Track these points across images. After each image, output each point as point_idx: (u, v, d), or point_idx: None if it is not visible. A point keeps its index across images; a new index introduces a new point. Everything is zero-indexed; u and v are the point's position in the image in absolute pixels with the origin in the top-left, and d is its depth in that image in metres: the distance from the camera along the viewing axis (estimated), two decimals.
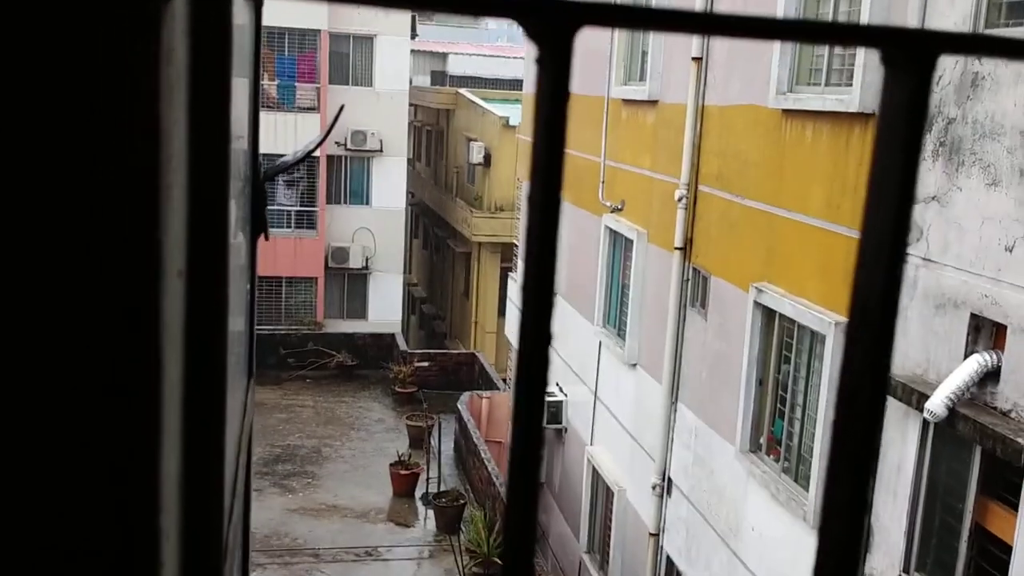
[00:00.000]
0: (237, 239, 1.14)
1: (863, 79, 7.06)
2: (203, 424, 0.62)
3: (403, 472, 16.89)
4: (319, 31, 24.39)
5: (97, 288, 0.43)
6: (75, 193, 0.42)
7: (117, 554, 0.46)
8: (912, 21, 6.52)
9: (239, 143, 1.12)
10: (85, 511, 0.47)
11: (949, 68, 6.21)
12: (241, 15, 1.11)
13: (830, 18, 7.84)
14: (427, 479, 16.70)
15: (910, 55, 0.41)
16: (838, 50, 7.79)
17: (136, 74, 0.41)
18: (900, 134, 0.42)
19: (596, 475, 12.72)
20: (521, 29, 0.40)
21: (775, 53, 8.30)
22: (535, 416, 0.43)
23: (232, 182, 1.07)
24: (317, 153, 24.33)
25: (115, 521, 0.45)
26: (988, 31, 5.99)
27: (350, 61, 25.28)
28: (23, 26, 0.41)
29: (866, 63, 7.04)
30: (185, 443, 0.59)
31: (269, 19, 23.63)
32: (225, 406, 0.64)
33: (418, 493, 16.97)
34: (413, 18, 26.27)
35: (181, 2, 0.50)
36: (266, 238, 1.49)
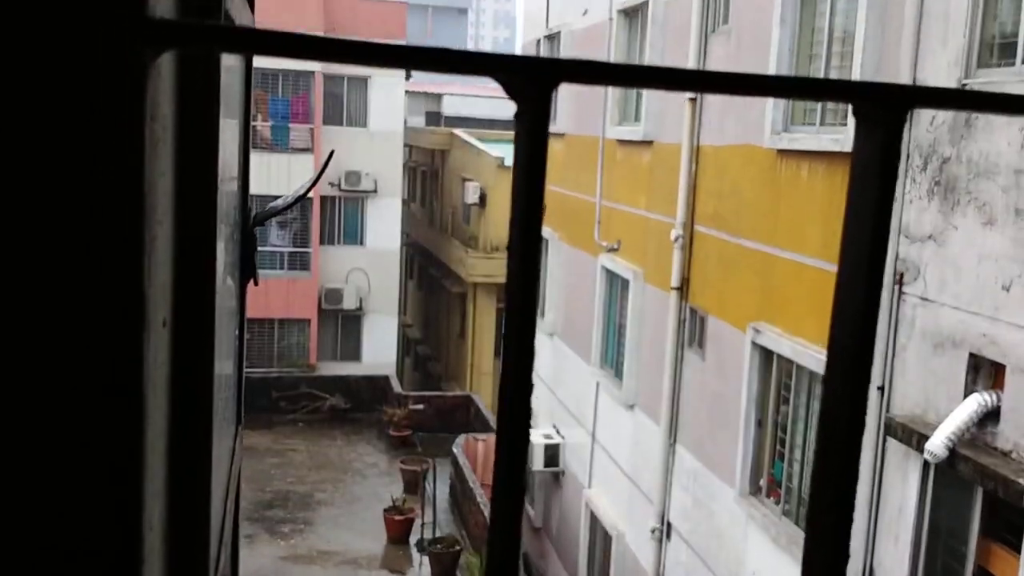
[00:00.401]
0: (226, 284, 1.14)
1: None
2: (189, 473, 0.61)
3: (397, 518, 16.70)
4: (313, 72, 24.63)
5: (80, 338, 0.43)
6: (58, 245, 0.43)
7: None
8: (905, 61, 6.61)
9: (229, 187, 1.13)
10: (69, 562, 0.47)
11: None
12: (229, 70, 1.12)
13: (824, 59, 7.94)
14: (422, 525, 16.51)
15: (880, 109, 0.42)
16: None
17: (121, 129, 0.41)
18: (872, 185, 0.42)
19: (594, 519, 12.59)
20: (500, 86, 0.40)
21: None
22: (518, 458, 0.43)
23: (222, 227, 1.07)
24: (311, 194, 24.42)
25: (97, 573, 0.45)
26: (980, 71, 6.07)
27: (344, 102, 25.50)
28: (13, 80, 0.41)
29: None
30: (170, 492, 0.58)
31: (263, 61, 23.92)
32: (211, 456, 0.64)
33: (413, 539, 16.76)
34: None
35: (168, 59, 0.50)
36: (255, 283, 1.49)
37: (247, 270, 1.38)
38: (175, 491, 0.59)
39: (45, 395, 0.43)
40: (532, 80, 0.40)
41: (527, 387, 0.41)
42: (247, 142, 1.50)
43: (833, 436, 0.47)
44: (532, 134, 0.41)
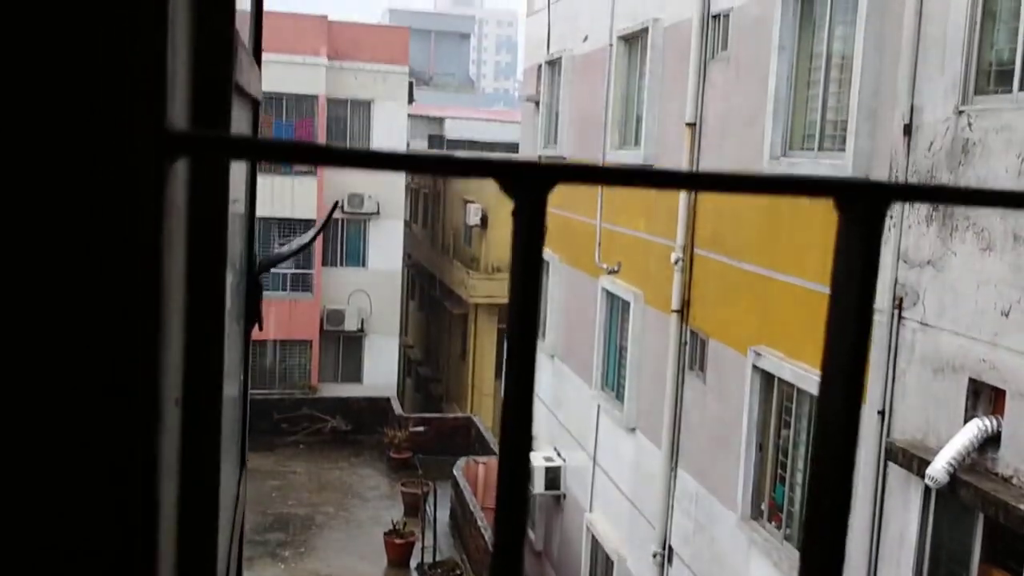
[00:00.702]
0: (234, 331, 1.16)
1: (856, 144, 7.17)
2: (195, 545, 0.63)
3: (398, 541, 16.62)
4: (317, 96, 24.78)
5: (95, 421, 0.45)
6: (80, 336, 0.45)
7: None
8: (903, 87, 6.65)
9: (236, 241, 1.15)
10: None
11: (940, 134, 6.31)
12: (238, 122, 1.15)
13: (822, 85, 7.99)
14: (422, 548, 16.43)
15: (861, 204, 0.44)
16: (831, 115, 7.93)
17: (139, 233, 0.44)
18: (855, 277, 0.44)
19: (595, 543, 12.54)
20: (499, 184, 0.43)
21: (768, 118, 8.45)
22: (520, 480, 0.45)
23: (231, 277, 1.10)
24: (314, 216, 24.49)
25: None
26: (978, 97, 6.11)
27: (348, 125, 25.64)
28: (37, 176, 0.43)
29: (858, 129, 7.16)
30: (179, 556, 0.60)
31: (267, 84, 23.99)
32: (217, 532, 0.66)
33: (413, 563, 16.67)
34: (410, 83, 26.73)
35: (183, 162, 0.53)
36: (260, 329, 1.51)
37: (251, 316, 1.41)
38: (182, 556, 0.61)
39: (57, 487, 0.45)
40: (529, 183, 0.42)
41: (528, 422, 0.43)
42: (254, 189, 1.53)
43: (827, 458, 0.49)
44: (528, 232, 0.43)
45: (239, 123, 1.05)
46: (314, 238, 2.25)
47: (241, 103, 1.03)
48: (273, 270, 24.90)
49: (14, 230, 0.43)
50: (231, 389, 1.10)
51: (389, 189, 25.83)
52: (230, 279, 1.10)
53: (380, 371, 25.96)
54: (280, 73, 23.78)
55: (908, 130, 6.56)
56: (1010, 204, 0.50)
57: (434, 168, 0.43)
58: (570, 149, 14.07)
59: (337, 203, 3.16)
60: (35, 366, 0.46)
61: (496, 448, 20.11)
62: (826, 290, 0.44)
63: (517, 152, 20.87)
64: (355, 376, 26.02)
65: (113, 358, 0.44)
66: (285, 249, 2.30)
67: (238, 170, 1.16)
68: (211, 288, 0.61)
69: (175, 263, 0.50)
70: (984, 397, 5.87)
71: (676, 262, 10.18)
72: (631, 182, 0.44)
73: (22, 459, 0.47)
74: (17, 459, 0.47)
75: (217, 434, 0.64)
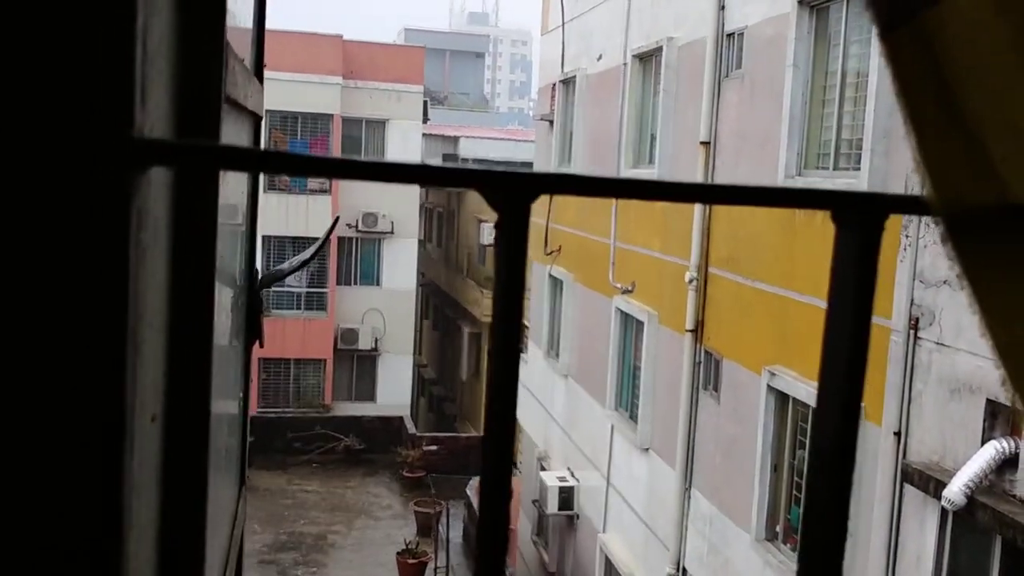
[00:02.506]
0: (232, 347, 1.15)
1: (871, 163, 7.13)
2: (182, 562, 0.61)
3: (411, 561, 16.55)
4: (332, 115, 24.93)
5: (59, 452, 0.44)
6: (39, 343, 0.44)
7: None
8: None
9: (235, 256, 1.14)
10: None
11: None
12: (238, 135, 1.14)
13: (837, 103, 7.96)
14: (435, 569, 16.35)
15: (858, 216, 0.43)
16: (846, 134, 7.90)
17: (104, 246, 0.43)
18: (851, 288, 0.43)
19: (609, 564, 12.43)
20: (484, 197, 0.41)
21: (783, 136, 8.43)
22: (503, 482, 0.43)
23: (228, 292, 1.09)
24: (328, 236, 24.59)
25: None
26: None
27: (362, 144, 25.76)
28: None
29: (873, 147, 7.13)
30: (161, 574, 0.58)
31: (282, 103, 24.25)
32: (205, 541, 0.64)
33: None
34: (425, 103, 26.87)
35: (161, 170, 0.52)
36: (261, 345, 1.50)
37: (253, 333, 1.40)
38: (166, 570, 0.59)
39: (17, 502, 0.44)
40: (511, 194, 0.41)
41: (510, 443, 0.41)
42: (255, 209, 1.53)
43: (824, 470, 0.47)
44: (512, 241, 0.42)
45: (236, 136, 1.05)
46: (315, 254, 2.25)
47: (237, 116, 1.02)
48: (287, 289, 25.02)
49: None
50: (227, 406, 1.09)
51: (403, 208, 25.92)
52: (230, 294, 1.09)
53: (394, 390, 25.95)
54: (295, 92, 23.97)
55: None
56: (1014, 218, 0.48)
57: (415, 178, 0.42)
58: (584, 168, 14.08)
59: (337, 218, 3.18)
60: None
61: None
62: None
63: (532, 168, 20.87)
64: (369, 395, 26.02)
65: (76, 372, 0.43)
66: (286, 265, 2.30)
67: (237, 185, 1.15)
68: (198, 302, 0.60)
69: (153, 275, 0.49)
70: (1002, 418, 5.80)
71: (690, 281, 10.14)
72: (615, 192, 0.42)
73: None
74: None
75: (204, 451, 0.63)
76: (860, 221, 0.43)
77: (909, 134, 0.43)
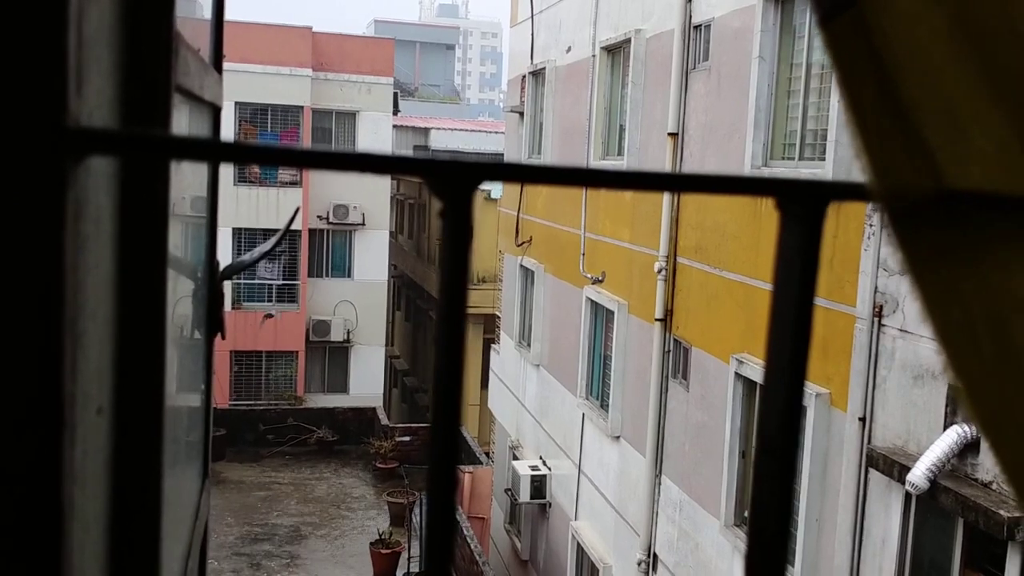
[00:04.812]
0: (193, 339, 1.14)
1: (836, 153, 7.21)
2: (134, 556, 0.61)
3: (384, 551, 16.55)
4: (302, 107, 24.75)
5: None
6: None
7: None
8: None
9: (196, 248, 1.13)
10: None
11: None
12: (199, 127, 1.13)
13: (802, 95, 8.03)
14: (408, 558, 16.37)
15: (802, 203, 0.43)
16: (811, 124, 7.97)
17: (38, 230, 0.42)
18: (795, 275, 0.43)
19: (581, 551, 12.51)
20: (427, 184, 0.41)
21: (749, 127, 8.49)
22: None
23: (187, 284, 1.08)
24: (299, 228, 24.45)
25: None
26: None
27: (333, 136, 25.60)
28: None
29: (838, 138, 7.20)
30: (112, 568, 0.58)
31: (252, 95, 24.06)
32: (159, 542, 0.63)
33: (399, 573, 16.60)
34: (395, 94, 26.73)
35: (105, 161, 0.51)
36: (223, 337, 1.49)
37: (214, 325, 1.38)
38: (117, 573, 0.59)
39: None
40: (454, 181, 0.41)
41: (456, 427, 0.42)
42: (215, 201, 1.51)
43: (770, 450, 0.48)
44: (455, 229, 0.42)
45: (193, 127, 1.04)
46: (276, 245, 2.24)
47: (192, 107, 1.01)
48: (259, 281, 24.83)
49: None
50: (186, 399, 1.08)
51: (374, 200, 25.82)
52: (189, 286, 1.09)
53: (366, 381, 25.89)
54: (265, 84, 23.76)
55: None
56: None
57: (360, 166, 0.42)
58: (554, 159, 14.09)
59: (297, 209, 3.16)
60: None
61: (481, 458, 20.10)
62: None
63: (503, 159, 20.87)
64: (341, 387, 25.94)
65: (8, 362, 0.43)
66: (247, 257, 2.29)
67: (195, 176, 1.14)
68: (148, 294, 0.59)
69: (96, 266, 0.49)
70: None
71: (659, 271, 10.20)
72: (557, 180, 0.43)
73: None
74: None
75: (157, 444, 0.62)
76: (803, 208, 0.44)
77: (850, 122, 0.44)
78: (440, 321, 0.42)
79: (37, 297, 0.42)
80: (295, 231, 24.53)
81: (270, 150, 0.40)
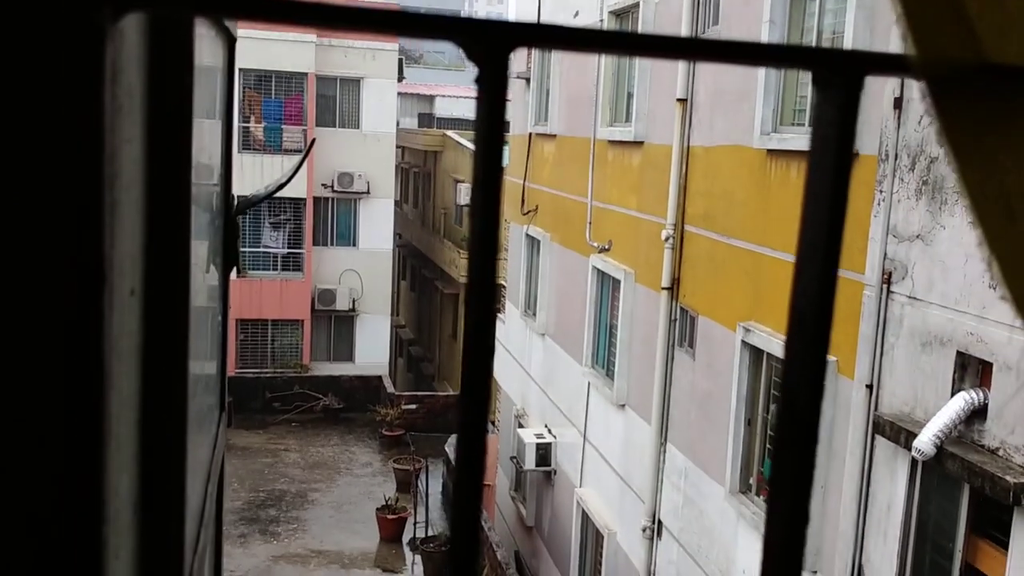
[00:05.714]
0: (209, 272, 1.14)
1: None
2: (162, 445, 0.61)
3: (390, 517, 16.70)
4: (306, 74, 24.61)
5: (38, 302, 0.44)
6: (12, 207, 0.43)
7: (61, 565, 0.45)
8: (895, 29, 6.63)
9: (210, 177, 1.13)
10: (23, 527, 0.47)
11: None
12: (213, 56, 1.13)
13: (815, 29, 7.95)
14: (415, 524, 16.51)
15: (838, 75, 0.43)
16: None
17: (77, 93, 0.42)
18: (831, 149, 0.43)
19: (586, 518, 12.60)
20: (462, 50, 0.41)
21: (759, 94, 8.42)
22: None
23: (204, 215, 1.08)
24: (304, 195, 24.41)
25: (57, 534, 0.45)
26: None
27: (337, 104, 25.48)
28: None
29: None
30: (142, 461, 0.58)
31: (256, 62, 23.91)
32: (186, 424, 0.64)
33: (406, 538, 16.76)
34: (400, 61, 26.56)
35: (134, 21, 0.51)
36: (239, 273, 1.49)
37: (230, 257, 1.39)
38: (147, 459, 0.59)
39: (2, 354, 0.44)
40: (492, 42, 0.41)
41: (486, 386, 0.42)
42: (230, 133, 1.51)
43: (793, 410, 0.48)
44: (490, 95, 0.42)
45: (210, 55, 1.03)
46: (291, 177, 2.24)
47: (212, 34, 1.00)
48: (263, 250, 24.84)
49: None
50: (208, 322, 1.08)
51: (379, 168, 25.74)
52: (207, 217, 1.09)
53: (372, 350, 25.97)
54: (269, 51, 23.60)
55: (899, 103, 6.55)
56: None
57: (384, 26, 0.41)
58: (561, 126, 14.02)
59: (314, 140, 3.15)
60: None
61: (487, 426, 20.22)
62: None
63: (508, 131, 20.77)
64: (347, 355, 26.03)
65: (51, 230, 0.43)
66: (262, 190, 2.29)
67: (211, 126, 1.13)
68: (176, 175, 0.59)
69: (129, 142, 0.48)
70: (971, 370, 5.90)
71: (667, 240, 10.17)
72: (599, 46, 0.42)
73: None
74: None
75: (185, 329, 0.62)
76: (840, 79, 0.44)
77: None
78: (475, 188, 0.41)
79: (78, 150, 0.42)
80: (300, 199, 24.49)
81: (304, 6, 0.40)
